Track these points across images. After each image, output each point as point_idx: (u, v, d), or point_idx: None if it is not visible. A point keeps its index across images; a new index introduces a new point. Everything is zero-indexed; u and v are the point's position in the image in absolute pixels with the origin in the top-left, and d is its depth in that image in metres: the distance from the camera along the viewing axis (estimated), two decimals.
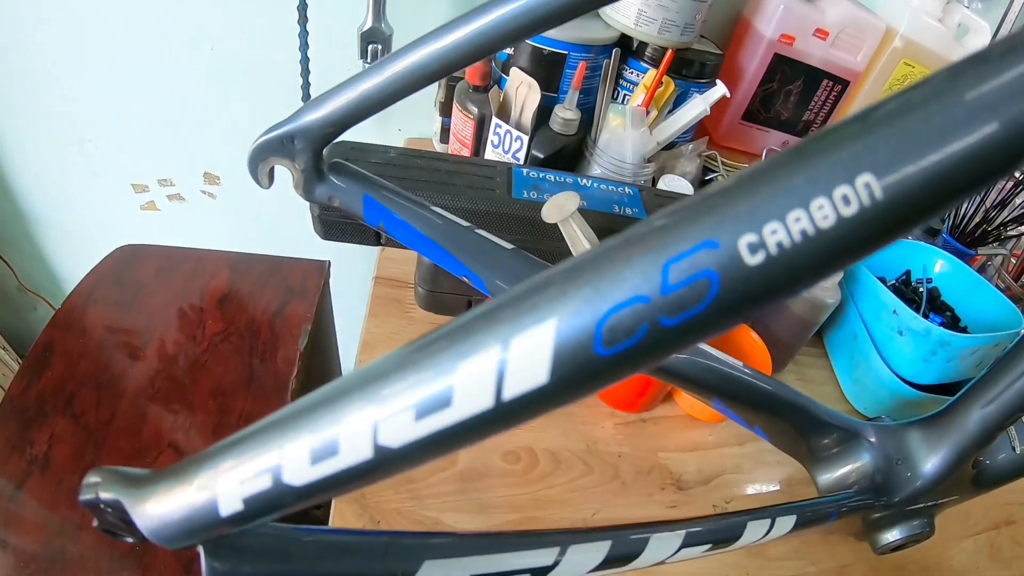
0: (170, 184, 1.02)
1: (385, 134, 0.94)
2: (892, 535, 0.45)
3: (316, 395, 0.18)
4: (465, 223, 0.43)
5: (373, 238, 0.57)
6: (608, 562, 0.29)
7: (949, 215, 0.78)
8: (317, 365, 0.84)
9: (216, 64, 0.85)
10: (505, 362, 0.15)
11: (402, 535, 0.26)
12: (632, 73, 0.72)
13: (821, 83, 0.78)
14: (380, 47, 0.70)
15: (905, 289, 0.71)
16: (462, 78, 0.70)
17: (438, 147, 0.82)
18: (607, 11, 0.69)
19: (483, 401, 0.15)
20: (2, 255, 1.14)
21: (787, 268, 0.13)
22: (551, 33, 0.66)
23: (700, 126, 0.72)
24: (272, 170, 0.42)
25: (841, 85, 0.78)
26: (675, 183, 0.70)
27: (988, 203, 0.74)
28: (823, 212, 0.13)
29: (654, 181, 0.71)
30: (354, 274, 1.06)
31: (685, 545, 0.31)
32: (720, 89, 0.67)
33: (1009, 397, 0.39)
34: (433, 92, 0.82)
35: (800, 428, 0.44)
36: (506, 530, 0.28)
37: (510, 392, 0.15)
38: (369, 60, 0.71)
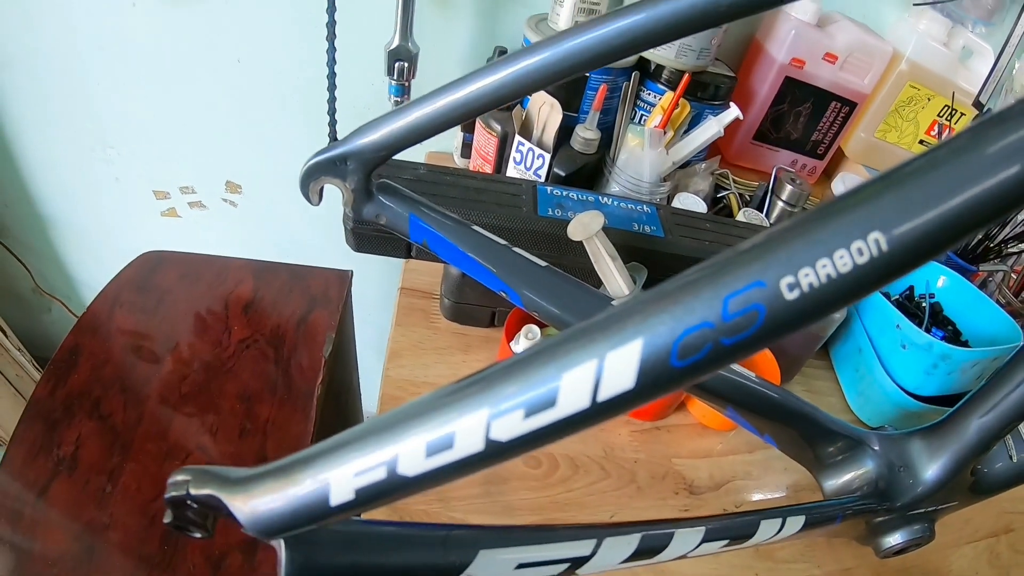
0: (191, 191, 1.04)
1: None
2: (894, 539, 0.47)
3: (432, 397, 0.21)
4: (502, 241, 0.45)
5: (403, 251, 0.59)
6: (638, 554, 0.31)
7: None
8: (339, 371, 0.87)
9: (242, 76, 0.88)
10: (601, 371, 0.18)
11: (457, 527, 0.28)
12: (649, 95, 0.75)
13: (829, 105, 0.81)
14: (406, 65, 0.73)
15: (908, 304, 0.74)
16: None
17: (459, 162, 0.85)
18: None
19: (581, 402, 0.19)
20: (19, 256, 1.16)
21: (816, 302, 0.17)
22: None
23: (712, 145, 0.74)
24: (322, 189, 0.45)
25: (849, 107, 0.81)
26: (689, 201, 0.73)
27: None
28: (843, 260, 0.17)
29: (669, 199, 0.73)
30: (366, 283, 1.09)
31: (706, 540, 0.34)
32: (733, 111, 0.70)
33: (1006, 407, 0.41)
34: None
35: (807, 436, 0.47)
36: (549, 523, 0.31)
37: (603, 395, 0.18)
38: (395, 77, 0.73)
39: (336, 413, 0.90)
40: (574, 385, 0.18)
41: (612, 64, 0.71)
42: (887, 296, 0.71)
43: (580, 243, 0.52)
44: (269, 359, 0.78)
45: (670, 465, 0.61)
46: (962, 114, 0.81)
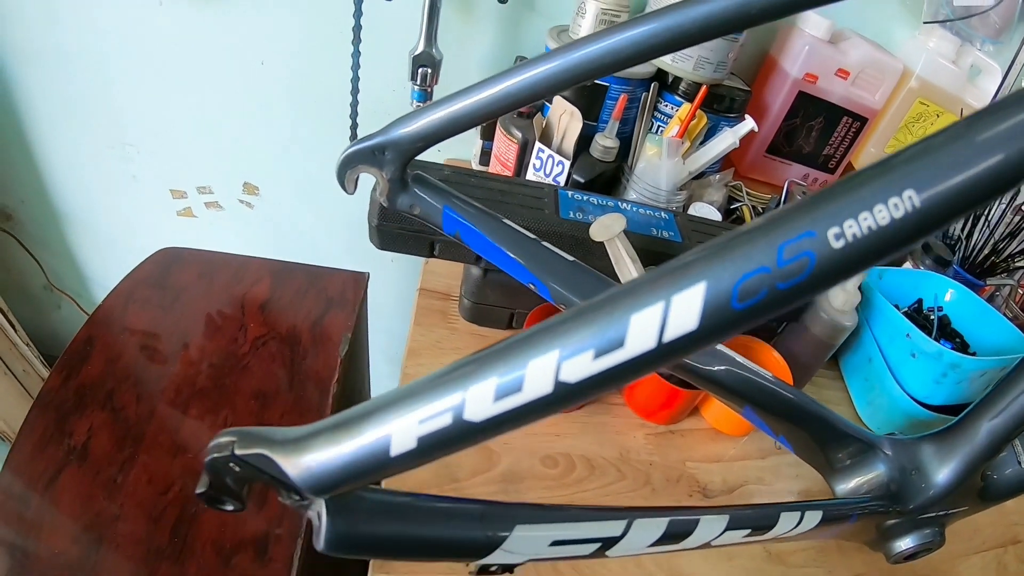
0: (209, 192, 1.05)
1: (426, 153, 0.99)
2: (905, 543, 0.47)
3: (503, 343, 0.22)
4: (532, 235, 0.46)
5: (426, 249, 0.60)
6: (665, 538, 0.32)
7: (960, 247, 0.82)
8: (353, 371, 0.87)
9: (264, 78, 0.90)
10: (667, 312, 0.20)
11: (494, 503, 0.29)
12: (667, 106, 0.76)
13: (841, 120, 0.83)
14: (430, 71, 0.74)
15: (917, 316, 0.75)
16: None
17: (477, 169, 0.86)
18: None
19: (648, 343, 0.20)
20: (32, 252, 1.17)
21: (859, 251, 0.19)
22: None
23: (726, 158, 0.76)
24: (358, 178, 0.46)
25: (860, 122, 0.83)
26: (704, 210, 0.74)
27: (997, 235, 0.79)
28: (881, 214, 0.19)
29: (684, 208, 0.75)
30: (378, 288, 1.10)
31: (729, 528, 0.35)
32: (749, 123, 0.72)
33: (1015, 410, 0.42)
34: None
35: (822, 438, 0.47)
36: (582, 504, 0.31)
37: (669, 336, 0.20)
38: (419, 83, 0.75)
39: None
40: (642, 326, 0.20)
41: (632, 75, 0.73)
42: (896, 307, 0.72)
43: (601, 245, 0.54)
44: (284, 358, 0.79)
45: (684, 468, 0.61)
46: None
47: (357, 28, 0.74)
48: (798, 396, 0.47)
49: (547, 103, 0.75)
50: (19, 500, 0.61)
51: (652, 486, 0.59)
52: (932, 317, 0.75)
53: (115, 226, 1.12)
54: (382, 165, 0.44)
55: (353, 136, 0.86)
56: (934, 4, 0.79)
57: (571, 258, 0.46)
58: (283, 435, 0.24)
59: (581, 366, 0.20)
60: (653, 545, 0.31)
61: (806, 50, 0.77)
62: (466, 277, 0.65)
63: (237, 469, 0.24)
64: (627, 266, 0.53)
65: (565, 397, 0.21)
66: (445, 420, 0.22)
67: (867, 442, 0.48)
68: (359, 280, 0.90)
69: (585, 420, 0.62)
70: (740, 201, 0.84)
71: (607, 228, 0.53)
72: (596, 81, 0.72)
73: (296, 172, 1.02)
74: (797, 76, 0.78)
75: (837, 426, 0.47)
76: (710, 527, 0.34)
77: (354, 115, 0.83)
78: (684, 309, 0.19)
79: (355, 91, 0.81)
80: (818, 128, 0.83)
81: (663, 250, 0.60)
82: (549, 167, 0.72)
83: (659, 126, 0.77)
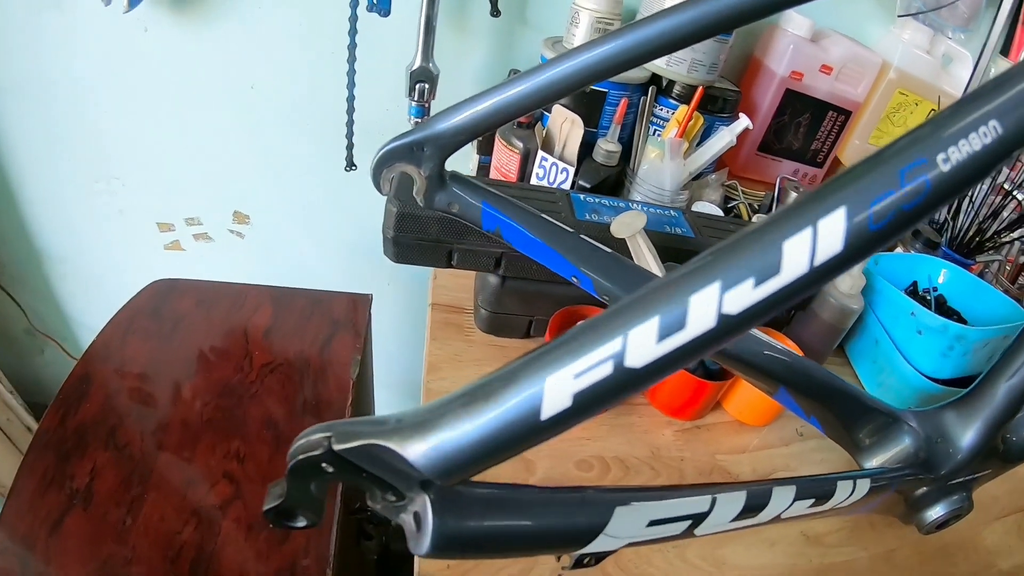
0: (197, 223, 1.03)
1: None
2: (936, 511, 0.48)
3: (657, 283, 0.22)
4: (570, 229, 0.47)
5: (444, 259, 0.60)
6: (745, 511, 0.32)
7: (947, 229, 0.85)
8: (363, 393, 0.86)
9: (255, 102, 0.89)
10: (816, 237, 0.21)
11: (590, 489, 0.28)
12: (662, 110, 0.78)
13: (827, 114, 0.86)
14: (428, 86, 0.75)
15: (914, 298, 0.77)
16: None
17: None
18: None
19: (802, 267, 0.21)
20: (13, 295, 1.13)
21: (962, 171, 0.21)
22: None
23: (720, 159, 0.78)
24: (394, 178, 0.45)
25: (844, 116, 0.86)
26: (706, 209, 0.75)
27: (981, 216, 0.82)
28: (975, 140, 0.21)
29: (687, 208, 0.76)
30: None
31: (797, 498, 0.35)
32: (744, 121, 0.74)
33: None
34: None
35: (851, 415, 0.48)
36: (670, 484, 0.31)
37: (819, 259, 0.21)
38: (416, 99, 0.75)
39: None
40: (794, 252, 0.21)
41: (629, 80, 0.75)
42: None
43: (619, 244, 0.54)
44: (295, 383, 0.77)
45: (714, 461, 0.62)
46: None
47: (352, 46, 0.75)
48: (828, 374, 0.48)
49: (546, 112, 0.76)
50: (21, 550, 0.58)
51: (687, 481, 0.59)
52: (928, 297, 0.77)
53: (100, 264, 1.09)
54: (420, 162, 0.44)
55: (349, 156, 0.86)
56: None
57: (608, 250, 0.46)
58: (397, 420, 0.22)
59: (742, 296, 0.21)
60: (735, 520, 0.32)
61: (791, 49, 0.80)
62: (482, 286, 0.65)
63: (330, 470, 0.22)
64: (648, 261, 0.53)
65: (727, 331, 0.21)
66: (604, 370, 0.21)
67: (892, 416, 0.49)
68: (363, 301, 0.89)
69: (612, 422, 0.62)
70: (736, 200, 0.86)
71: (628, 225, 0.53)
72: (594, 88, 0.73)
73: (288, 198, 1.00)
74: (784, 74, 0.81)
75: (865, 402, 0.48)
76: (781, 498, 0.34)
77: (350, 135, 0.83)
78: (830, 232, 0.21)
79: (351, 110, 0.80)
80: (806, 124, 0.86)
81: (678, 245, 0.61)
82: (553, 175, 0.72)
83: (656, 130, 0.78)
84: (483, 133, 0.42)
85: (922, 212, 0.21)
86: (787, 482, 0.35)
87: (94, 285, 1.12)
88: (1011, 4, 0.86)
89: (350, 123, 0.82)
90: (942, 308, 0.77)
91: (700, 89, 0.71)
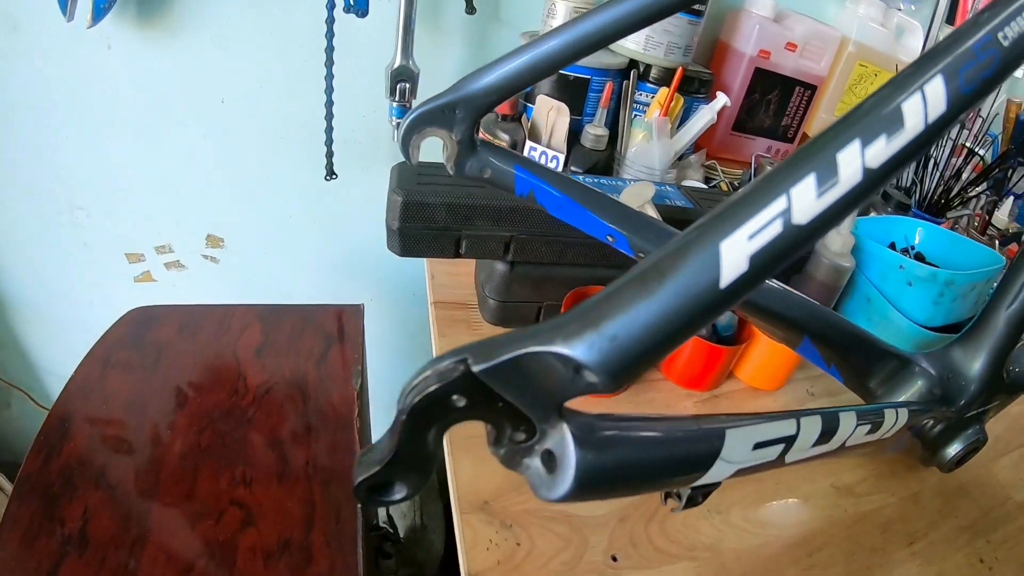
0: (168, 251, 0.99)
1: None
2: (954, 448, 0.51)
3: (804, 147, 0.24)
4: (600, 191, 0.47)
5: (452, 248, 0.59)
6: (823, 435, 0.33)
7: (915, 191, 0.89)
8: (364, 405, 0.83)
9: (226, 117, 0.86)
10: (925, 97, 0.24)
11: (700, 417, 0.28)
12: (641, 95, 0.79)
13: (794, 90, 0.89)
14: (408, 86, 0.74)
15: None
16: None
17: None
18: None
19: (919, 124, 0.24)
20: None
21: (1018, 48, 0.25)
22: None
23: (698, 141, 0.80)
24: (420, 146, 0.44)
25: (810, 90, 0.90)
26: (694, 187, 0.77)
27: (946, 177, 0.86)
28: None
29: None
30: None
31: (859, 423, 0.36)
32: (722, 99, 0.76)
33: None
34: None
35: (867, 360, 0.50)
36: (763, 411, 0.31)
37: (931, 117, 0.24)
38: (398, 99, 0.74)
39: None
40: (911, 111, 0.24)
41: (609, 65, 0.76)
42: None
43: None
44: (295, 400, 0.74)
45: None
46: None
47: (330, 49, 0.73)
48: (847, 321, 0.49)
49: (528, 105, 0.76)
50: None
51: None
52: (909, 255, 0.80)
53: (66, 303, 1.03)
54: (452, 126, 0.43)
55: (328, 165, 0.84)
56: None
57: (637, 209, 0.46)
58: (550, 323, 0.20)
59: (879, 151, 0.23)
60: (815, 445, 0.32)
61: (757, 29, 0.83)
62: (489, 276, 0.64)
63: (461, 403, 0.19)
64: None
65: (871, 186, 0.23)
66: (775, 229, 0.21)
67: (905, 359, 0.51)
68: (355, 312, 0.87)
69: (633, 399, 0.62)
70: (716, 179, 0.88)
71: (638, 195, 0.54)
72: (576, 75, 0.74)
73: (264, 216, 0.97)
74: (752, 54, 0.84)
75: (880, 346, 0.50)
76: (847, 422, 0.35)
77: (329, 142, 0.82)
78: (935, 94, 0.24)
79: (329, 116, 0.79)
80: (775, 101, 0.89)
81: (682, 216, 0.61)
82: (543, 163, 0.72)
83: (636, 114, 0.79)
84: (515, 92, 0.42)
85: (996, 81, 0.25)
86: (847, 409, 0.36)
87: (60, 328, 1.05)
88: None
89: (329, 130, 0.80)
90: (923, 263, 0.80)
91: (680, 69, 0.73)
